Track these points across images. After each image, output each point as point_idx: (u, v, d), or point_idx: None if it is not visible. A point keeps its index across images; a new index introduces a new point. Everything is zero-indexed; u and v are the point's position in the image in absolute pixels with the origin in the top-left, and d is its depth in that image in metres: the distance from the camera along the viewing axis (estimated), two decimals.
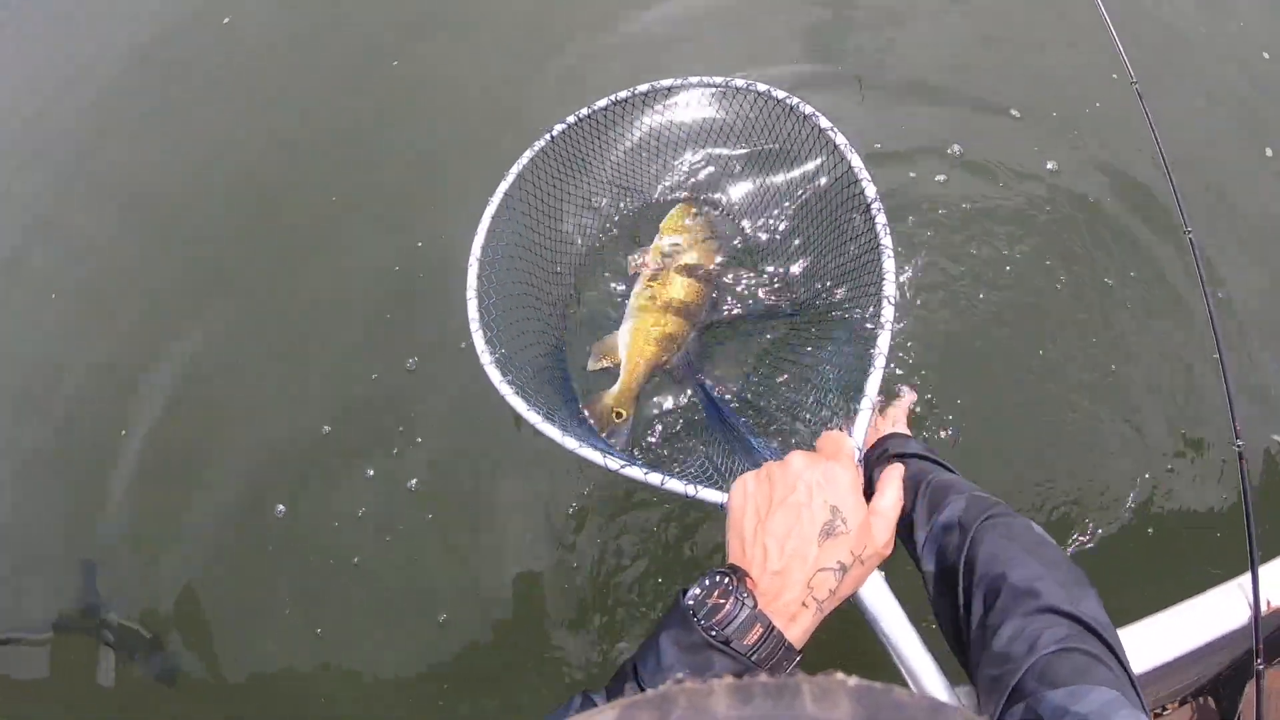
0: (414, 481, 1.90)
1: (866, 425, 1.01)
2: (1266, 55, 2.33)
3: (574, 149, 1.53)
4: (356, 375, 2.08)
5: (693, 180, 1.85)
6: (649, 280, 1.65)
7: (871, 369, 1.04)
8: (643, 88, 1.46)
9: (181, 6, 3.17)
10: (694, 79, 1.46)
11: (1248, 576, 1.07)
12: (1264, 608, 1.08)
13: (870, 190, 1.22)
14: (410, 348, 2.05)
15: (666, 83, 1.45)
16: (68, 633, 1.98)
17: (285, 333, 2.26)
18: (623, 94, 1.46)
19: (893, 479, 0.85)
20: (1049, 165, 2.11)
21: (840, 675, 0.34)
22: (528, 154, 1.44)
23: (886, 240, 1.16)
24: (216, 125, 2.77)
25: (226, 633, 1.89)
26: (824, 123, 1.31)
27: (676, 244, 1.67)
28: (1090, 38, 2.00)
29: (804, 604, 0.75)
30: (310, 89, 2.79)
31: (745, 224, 1.79)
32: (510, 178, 1.42)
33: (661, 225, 1.72)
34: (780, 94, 1.37)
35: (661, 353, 1.59)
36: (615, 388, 1.58)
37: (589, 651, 1.66)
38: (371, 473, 1.94)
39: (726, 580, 0.75)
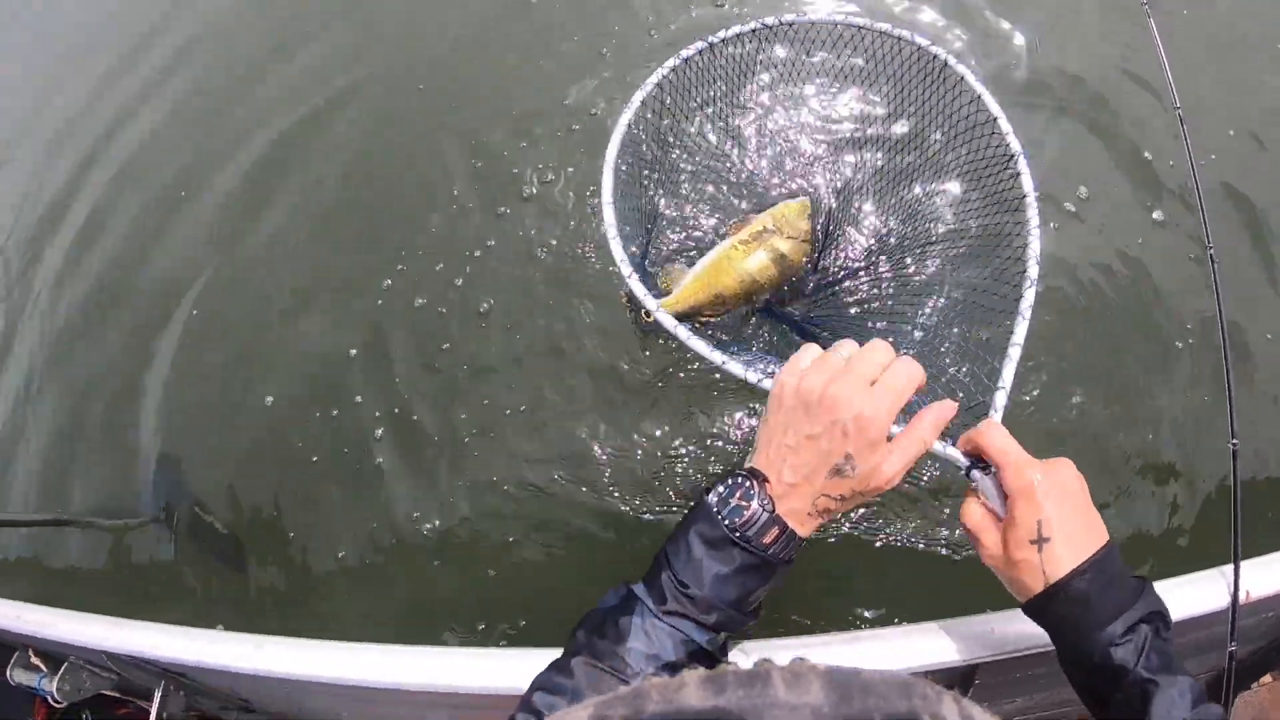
0: None
1: (1002, 405, 1.03)
2: None
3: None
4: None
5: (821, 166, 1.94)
6: (737, 243, 1.70)
7: (1006, 359, 1.05)
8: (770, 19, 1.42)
9: None
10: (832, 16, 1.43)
11: (1230, 566, 1.15)
12: (1243, 597, 1.16)
13: (1015, 144, 1.20)
14: None
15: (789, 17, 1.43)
16: (141, 519, 2.15)
17: None
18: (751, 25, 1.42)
19: (926, 419, 0.86)
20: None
21: (810, 661, 0.37)
22: (668, 65, 1.44)
23: (1034, 214, 1.14)
24: None
25: (294, 520, 2.03)
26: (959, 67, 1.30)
27: (775, 230, 1.71)
28: None
29: (809, 515, 0.85)
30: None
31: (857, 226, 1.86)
32: (648, 87, 1.43)
33: (773, 210, 1.77)
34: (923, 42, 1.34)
35: (706, 304, 1.65)
36: (658, 300, 1.65)
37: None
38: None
39: (748, 483, 0.84)
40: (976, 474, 0.93)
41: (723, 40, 1.45)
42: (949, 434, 0.95)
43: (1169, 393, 1.90)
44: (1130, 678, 0.82)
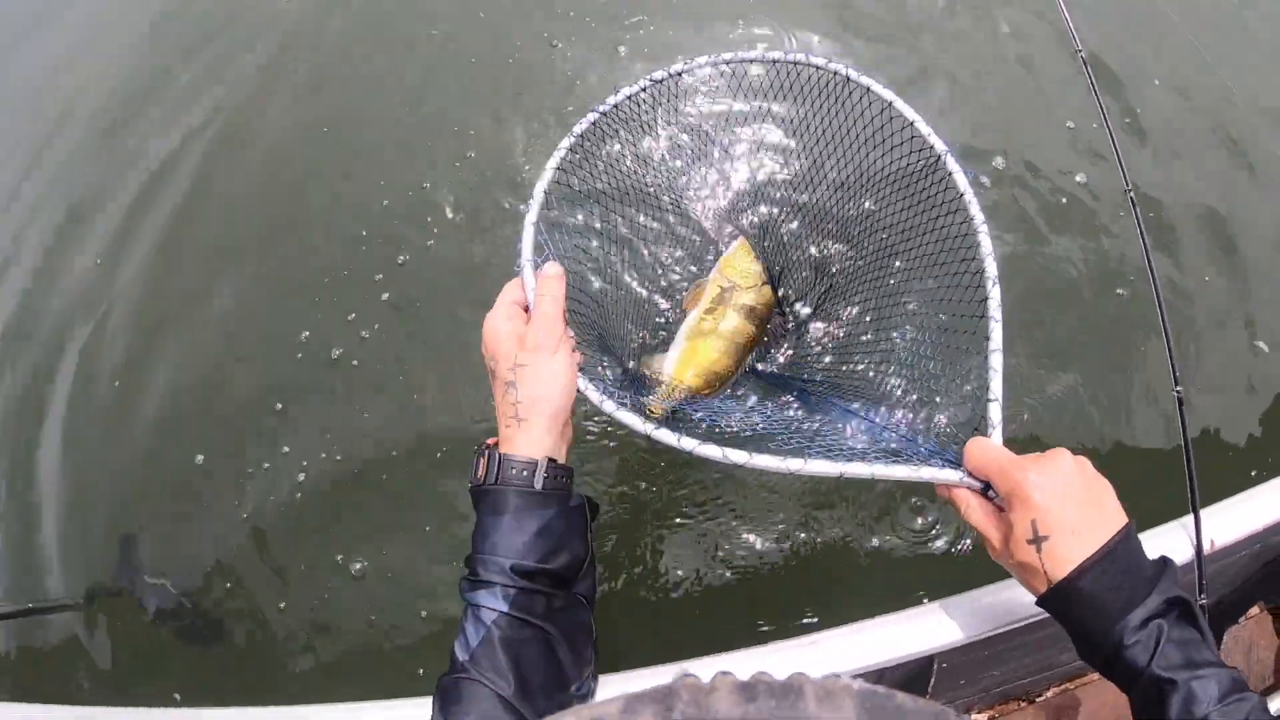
0: None
1: (999, 419, 0.96)
2: None
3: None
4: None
5: (749, 203, 1.83)
6: (703, 314, 1.57)
7: (990, 370, 0.97)
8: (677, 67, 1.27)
9: None
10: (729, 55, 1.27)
11: (1190, 518, 1.11)
12: (1207, 546, 1.12)
13: (938, 144, 1.12)
14: None
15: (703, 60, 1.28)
16: (105, 601, 2.05)
17: None
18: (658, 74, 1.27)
19: (545, 286, 0.98)
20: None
21: (844, 680, 0.36)
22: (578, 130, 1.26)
23: (976, 210, 1.07)
24: None
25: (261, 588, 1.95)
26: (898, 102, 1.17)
27: (732, 285, 1.59)
28: None
29: (506, 425, 0.94)
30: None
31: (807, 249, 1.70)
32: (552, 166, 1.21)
33: (720, 262, 1.64)
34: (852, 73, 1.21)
35: (704, 386, 1.52)
36: (652, 398, 1.49)
37: None
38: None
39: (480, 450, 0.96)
40: (991, 493, 0.90)
41: (614, 105, 1.29)
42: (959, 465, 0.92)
43: (1110, 347, 1.88)
44: (1145, 676, 0.78)
